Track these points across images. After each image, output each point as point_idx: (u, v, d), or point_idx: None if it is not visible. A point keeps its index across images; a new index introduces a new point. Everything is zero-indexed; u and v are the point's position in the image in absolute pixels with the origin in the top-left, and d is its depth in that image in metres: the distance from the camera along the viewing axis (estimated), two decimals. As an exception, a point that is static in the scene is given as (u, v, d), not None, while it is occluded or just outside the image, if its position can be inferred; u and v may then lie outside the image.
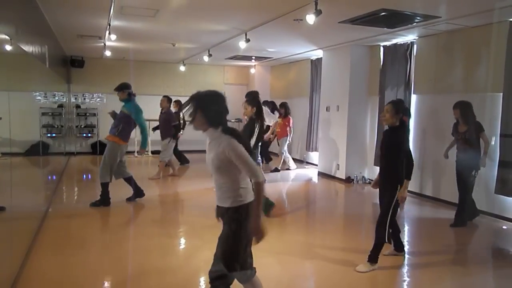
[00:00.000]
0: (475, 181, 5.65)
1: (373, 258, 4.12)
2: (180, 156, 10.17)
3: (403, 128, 4.17)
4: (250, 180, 2.77)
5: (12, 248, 4.20)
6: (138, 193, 6.63)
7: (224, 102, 2.75)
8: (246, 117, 5.65)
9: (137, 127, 6.35)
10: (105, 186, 6.25)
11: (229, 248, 2.71)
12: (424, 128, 7.32)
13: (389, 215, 4.05)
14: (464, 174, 5.66)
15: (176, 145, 9.21)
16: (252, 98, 5.69)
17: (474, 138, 5.60)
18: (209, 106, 2.67)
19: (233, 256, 2.71)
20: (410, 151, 4.12)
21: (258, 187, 2.64)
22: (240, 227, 2.69)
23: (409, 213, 6.45)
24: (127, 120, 6.21)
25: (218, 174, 2.71)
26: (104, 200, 6.26)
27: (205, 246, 4.82)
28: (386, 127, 4.30)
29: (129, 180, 6.54)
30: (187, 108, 2.69)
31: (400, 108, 4.13)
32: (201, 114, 2.65)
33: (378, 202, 5.46)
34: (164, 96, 8.87)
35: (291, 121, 9.97)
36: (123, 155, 6.37)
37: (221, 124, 2.70)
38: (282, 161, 10.13)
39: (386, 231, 4.08)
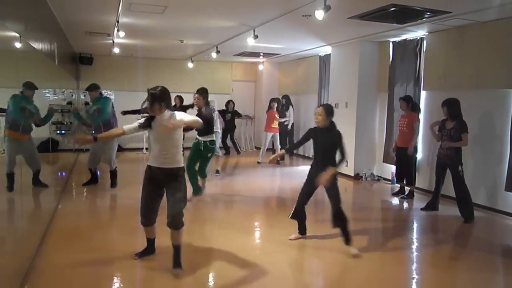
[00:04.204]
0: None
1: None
2: None
3: None
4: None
5: (23, 245, 4.23)
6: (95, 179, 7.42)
7: (169, 93, 3.85)
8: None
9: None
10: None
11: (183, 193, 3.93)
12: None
13: None
14: (451, 170, 5.93)
15: None
16: (202, 90, 6.40)
17: (459, 135, 5.80)
18: (165, 98, 3.78)
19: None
20: None
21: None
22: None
23: (417, 210, 6.40)
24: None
25: (169, 142, 3.81)
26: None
27: (213, 239, 4.85)
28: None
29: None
30: (147, 102, 3.78)
31: None
32: (162, 103, 3.74)
33: (386, 198, 5.39)
34: (177, 96, 9.20)
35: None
36: None
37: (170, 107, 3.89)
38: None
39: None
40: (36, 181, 5.64)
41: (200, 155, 6.35)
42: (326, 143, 4.50)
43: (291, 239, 4.84)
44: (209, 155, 6.38)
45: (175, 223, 3.75)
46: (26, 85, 5.03)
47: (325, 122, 4.50)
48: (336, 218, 4.44)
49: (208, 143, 6.26)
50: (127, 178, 7.80)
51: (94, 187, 7.34)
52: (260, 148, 13.21)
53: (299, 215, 4.83)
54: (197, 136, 6.36)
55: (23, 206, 4.58)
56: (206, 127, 6.02)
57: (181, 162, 3.90)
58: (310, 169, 4.71)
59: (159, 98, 3.71)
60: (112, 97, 12.27)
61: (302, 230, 4.92)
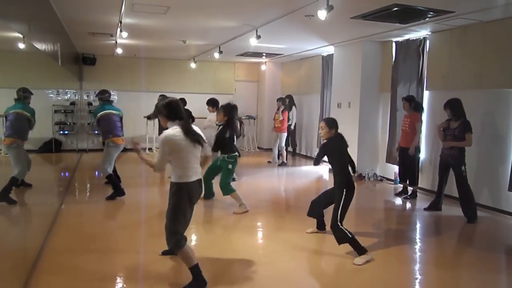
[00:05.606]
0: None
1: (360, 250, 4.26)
2: None
3: None
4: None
5: (26, 245, 4.24)
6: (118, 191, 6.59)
7: (170, 106, 3.57)
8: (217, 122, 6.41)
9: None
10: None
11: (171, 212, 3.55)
12: (436, 124, 7.23)
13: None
14: (454, 170, 5.92)
15: None
16: (228, 107, 6.15)
17: (462, 135, 5.79)
18: (161, 111, 3.58)
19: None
20: None
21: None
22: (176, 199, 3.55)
23: (420, 210, 6.39)
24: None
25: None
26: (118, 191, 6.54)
27: (218, 240, 4.85)
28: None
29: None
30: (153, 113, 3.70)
31: None
32: (160, 116, 3.61)
33: (389, 199, 5.32)
34: (180, 98, 9.03)
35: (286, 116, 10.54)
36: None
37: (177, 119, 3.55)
38: (285, 155, 10.57)
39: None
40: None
41: (218, 169, 6.23)
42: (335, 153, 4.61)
43: (307, 232, 5.07)
44: (229, 166, 6.06)
45: (168, 243, 3.63)
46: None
47: (328, 135, 4.55)
48: (334, 235, 4.34)
49: (225, 157, 6.08)
50: (128, 178, 7.81)
51: (99, 187, 7.35)
52: (263, 149, 13.26)
53: (313, 214, 5.00)
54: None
55: (27, 208, 4.60)
56: (218, 147, 6.08)
57: (179, 178, 3.55)
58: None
59: (157, 111, 3.62)
60: (115, 97, 12.35)
61: (319, 226, 5.09)
